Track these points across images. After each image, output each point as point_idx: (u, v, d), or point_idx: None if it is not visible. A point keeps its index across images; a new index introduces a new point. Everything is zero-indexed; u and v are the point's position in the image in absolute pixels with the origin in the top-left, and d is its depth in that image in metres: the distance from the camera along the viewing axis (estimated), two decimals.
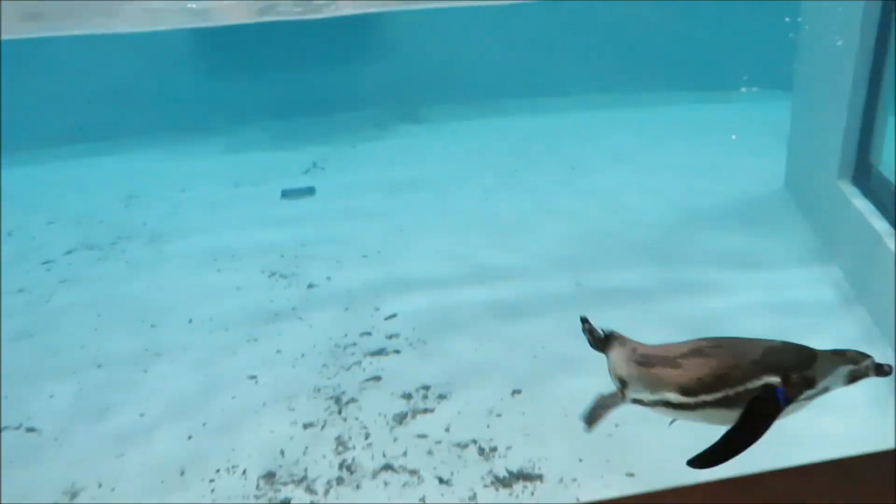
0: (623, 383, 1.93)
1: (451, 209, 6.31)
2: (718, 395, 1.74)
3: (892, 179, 4.24)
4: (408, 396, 3.98)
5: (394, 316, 4.76)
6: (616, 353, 1.98)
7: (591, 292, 4.88)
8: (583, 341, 4.12)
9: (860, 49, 4.46)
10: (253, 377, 4.23)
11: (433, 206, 6.40)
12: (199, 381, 4.21)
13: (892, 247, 3.86)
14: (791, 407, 1.75)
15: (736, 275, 4.95)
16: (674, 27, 8.16)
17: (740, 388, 1.73)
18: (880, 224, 4.18)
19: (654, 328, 4.32)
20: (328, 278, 5.31)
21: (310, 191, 6.97)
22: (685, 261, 5.17)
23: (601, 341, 2.06)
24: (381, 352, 4.42)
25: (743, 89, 8.34)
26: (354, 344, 4.50)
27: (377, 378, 4.16)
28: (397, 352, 4.40)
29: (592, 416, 1.99)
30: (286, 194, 6.91)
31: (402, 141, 8.12)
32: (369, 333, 4.60)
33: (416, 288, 5.09)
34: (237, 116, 8.49)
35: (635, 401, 1.90)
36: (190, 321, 4.85)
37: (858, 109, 4.53)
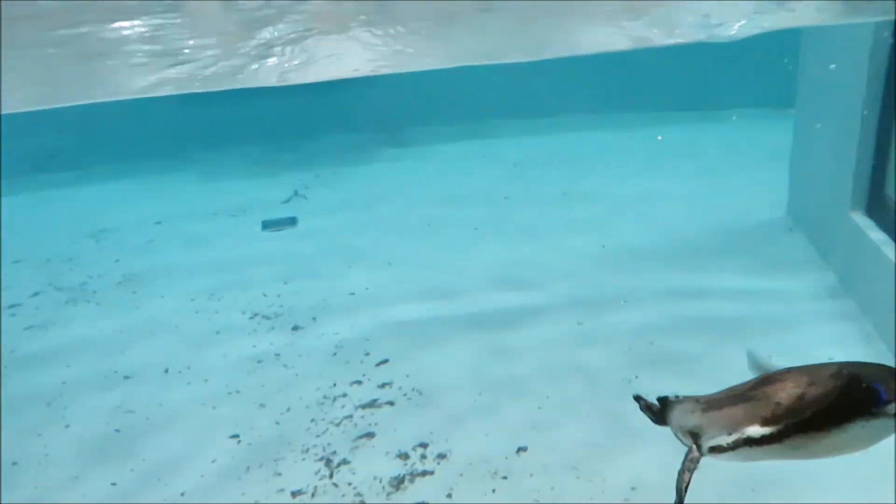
0: (695, 436, 1.75)
1: (442, 240, 6.03)
2: (806, 415, 1.54)
3: None
4: (404, 456, 3.68)
5: (385, 361, 4.47)
6: (677, 411, 1.84)
7: (594, 329, 4.62)
8: (587, 389, 3.86)
9: (871, 69, 4.24)
10: (235, 436, 3.90)
11: (423, 236, 6.12)
12: (176, 443, 3.88)
13: None
14: (885, 423, 1.53)
15: (747, 303, 4.72)
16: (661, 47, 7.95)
17: (824, 405, 1.55)
18: None
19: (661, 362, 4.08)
20: (314, 319, 5.00)
21: (292, 221, 6.66)
22: (687, 290, 4.92)
23: (659, 412, 1.91)
24: (373, 403, 4.11)
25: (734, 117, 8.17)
26: (344, 395, 4.20)
27: (370, 435, 3.86)
28: (391, 403, 4.10)
29: (679, 491, 1.80)
30: (267, 225, 6.60)
31: (387, 166, 7.84)
32: (360, 382, 4.30)
33: (409, 329, 4.80)
34: (213, 143, 8.16)
35: (713, 450, 1.71)
36: (166, 371, 4.52)
37: (871, 136, 4.31)
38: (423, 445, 3.74)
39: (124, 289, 5.60)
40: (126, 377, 4.49)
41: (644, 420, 3.42)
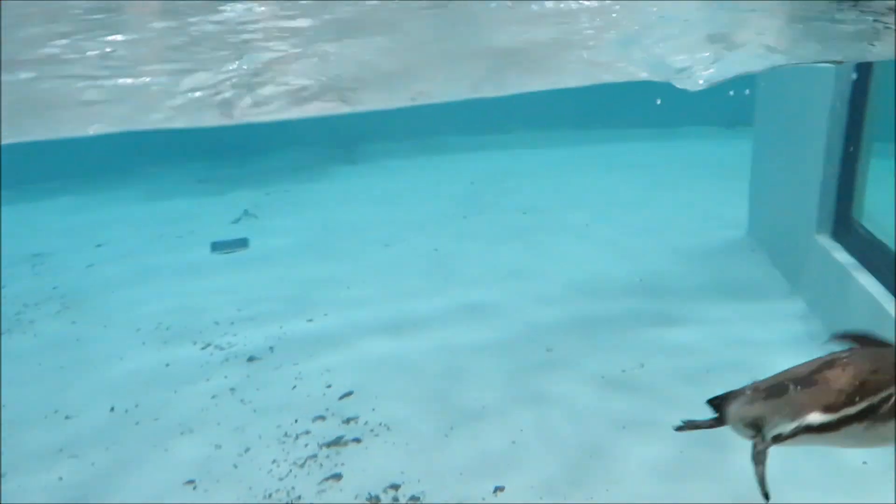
0: (756, 427, 1.77)
1: (400, 261, 5.86)
2: (863, 405, 1.59)
3: (883, 237, 4.02)
4: (375, 499, 3.47)
5: (349, 394, 4.25)
6: (734, 406, 1.84)
7: (563, 356, 4.50)
8: (563, 419, 3.68)
9: (836, 90, 4.25)
10: (190, 482, 3.63)
11: (379, 257, 5.94)
12: (126, 490, 3.58)
13: (892, 311, 3.61)
14: None
15: (712, 326, 4.67)
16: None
17: (884, 394, 1.58)
18: (870, 283, 3.94)
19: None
20: (271, 349, 4.76)
21: (243, 243, 6.39)
22: (650, 312, 4.86)
23: (716, 418, 1.88)
24: (338, 441, 3.89)
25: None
26: (307, 432, 3.96)
27: (337, 476, 3.63)
28: (357, 440, 3.89)
29: (762, 484, 1.79)
30: (217, 247, 6.31)
31: (339, 184, 7.63)
32: (323, 417, 4.08)
33: (371, 357, 4.60)
34: (157, 159, 7.82)
35: (775, 439, 1.74)
36: (112, 410, 4.21)
37: (836, 157, 4.31)
38: (395, 487, 3.53)
39: (63, 318, 5.25)
40: (68, 417, 4.17)
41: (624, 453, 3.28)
